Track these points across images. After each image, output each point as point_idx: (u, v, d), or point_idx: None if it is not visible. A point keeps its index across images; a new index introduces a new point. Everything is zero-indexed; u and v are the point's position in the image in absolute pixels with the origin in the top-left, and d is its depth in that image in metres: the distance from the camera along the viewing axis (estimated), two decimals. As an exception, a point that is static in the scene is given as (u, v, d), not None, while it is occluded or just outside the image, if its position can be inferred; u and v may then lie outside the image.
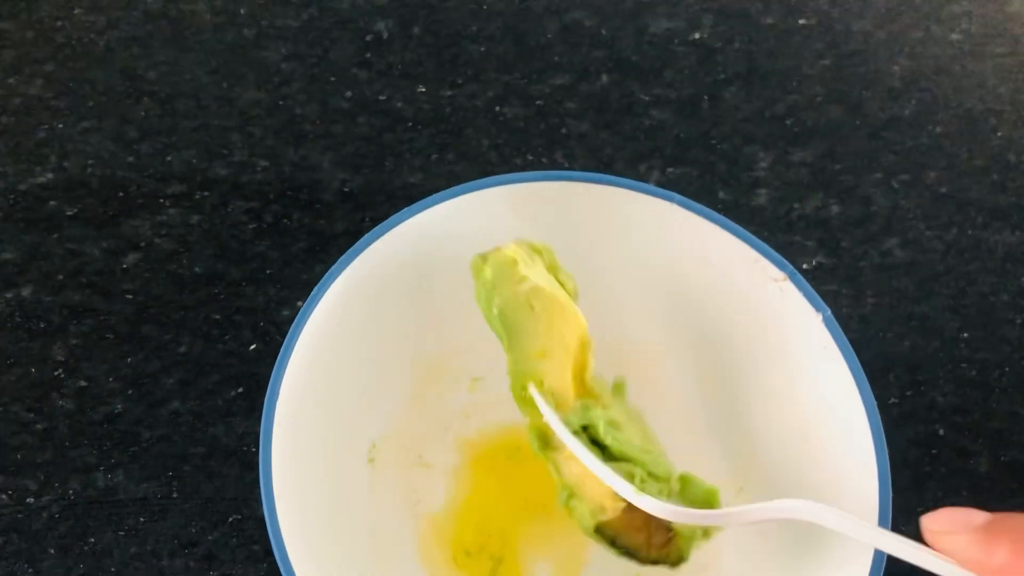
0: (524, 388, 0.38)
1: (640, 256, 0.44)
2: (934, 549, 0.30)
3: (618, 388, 0.41)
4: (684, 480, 0.38)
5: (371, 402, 0.44)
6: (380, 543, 0.43)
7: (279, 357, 0.38)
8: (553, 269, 0.40)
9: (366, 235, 0.40)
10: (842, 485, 0.39)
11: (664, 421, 0.47)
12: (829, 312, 0.40)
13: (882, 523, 0.37)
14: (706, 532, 0.37)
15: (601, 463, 0.36)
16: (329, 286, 0.40)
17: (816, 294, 0.40)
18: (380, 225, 0.41)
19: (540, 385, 0.38)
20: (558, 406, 0.38)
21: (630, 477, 0.35)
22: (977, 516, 0.30)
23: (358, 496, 0.43)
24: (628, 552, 0.38)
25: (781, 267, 0.41)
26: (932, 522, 0.30)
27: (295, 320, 0.39)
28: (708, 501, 0.37)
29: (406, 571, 0.43)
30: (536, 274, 0.39)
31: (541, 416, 0.37)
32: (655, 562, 0.38)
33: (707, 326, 0.44)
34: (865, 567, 0.36)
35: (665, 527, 0.37)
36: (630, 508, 0.36)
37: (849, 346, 0.39)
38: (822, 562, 0.39)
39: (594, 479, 0.36)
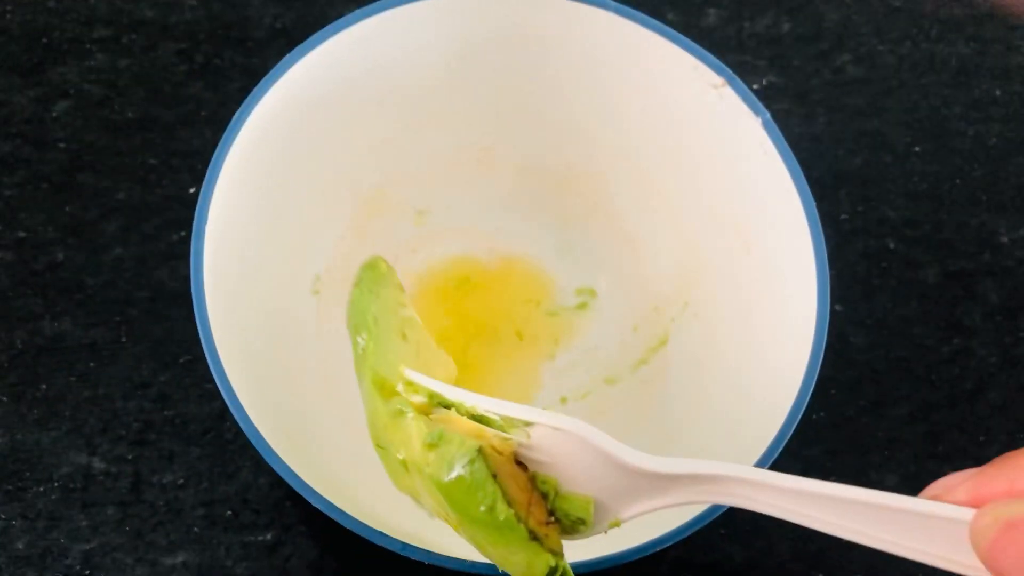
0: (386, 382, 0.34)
1: (574, 70, 0.43)
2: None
3: None
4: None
5: (311, 235, 0.44)
6: (329, 375, 0.43)
7: (202, 189, 0.37)
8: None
9: (286, 56, 0.39)
10: (783, 290, 0.39)
11: (605, 238, 0.47)
12: (768, 115, 0.39)
13: (819, 326, 0.37)
14: (582, 522, 0.31)
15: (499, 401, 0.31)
16: (249, 113, 0.38)
17: (755, 98, 0.39)
18: (303, 44, 0.39)
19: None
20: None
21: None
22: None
23: (305, 330, 0.43)
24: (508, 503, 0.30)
25: (720, 72, 0.40)
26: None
27: (216, 150, 0.38)
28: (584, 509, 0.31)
29: (357, 402, 0.44)
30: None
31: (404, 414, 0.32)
32: (532, 535, 0.30)
33: (645, 138, 0.43)
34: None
35: (546, 508, 0.31)
36: (517, 464, 0.31)
37: (788, 148, 0.39)
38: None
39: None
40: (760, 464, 0.36)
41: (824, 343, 0.37)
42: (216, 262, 0.37)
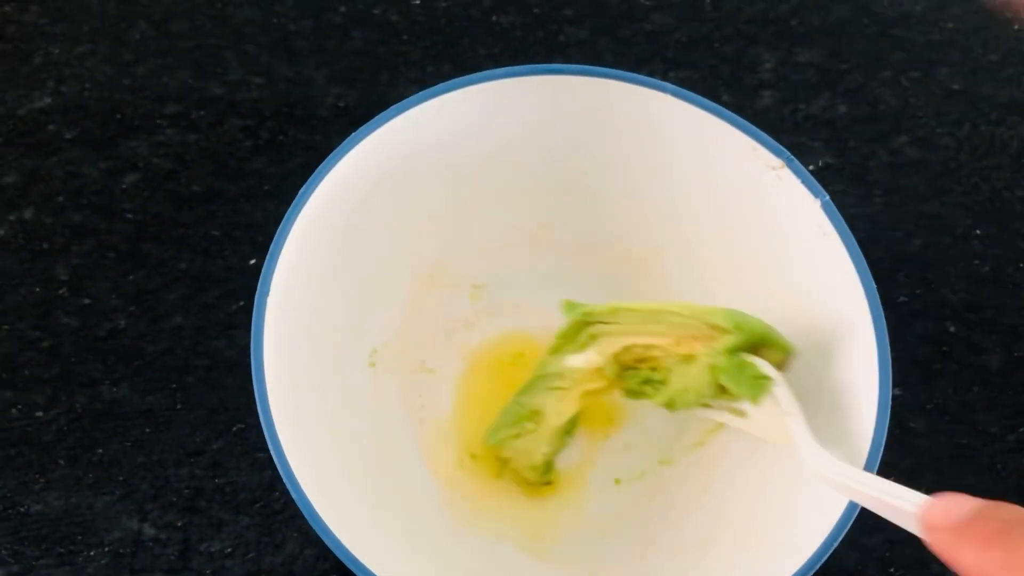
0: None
1: (633, 151, 0.43)
2: (930, 542, 0.30)
3: None
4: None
5: (369, 308, 0.44)
6: (383, 448, 0.43)
7: (266, 261, 0.38)
8: None
9: (352, 134, 0.40)
10: (844, 374, 0.38)
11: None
12: (827, 197, 0.39)
13: (881, 409, 0.36)
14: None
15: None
16: (315, 188, 0.39)
17: (814, 180, 0.39)
18: (369, 123, 0.40)
19: None
20: None
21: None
22: (963, 505, 0.29)
23: (360, 401, 0.43)
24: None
25: (778, 154, 0.40)
26: (926, 516, 0.30)
27: (281, 223, 0.39)
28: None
29: (411, 476, 0.44)
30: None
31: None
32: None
33: (704, 219, 0.43)
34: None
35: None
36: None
37: (848, 230, 0.38)
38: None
39: None
40: (817, 557, 0.35)
41: (886, 431, 0.36)
42: (276, 333, 0.37)
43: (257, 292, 0.37)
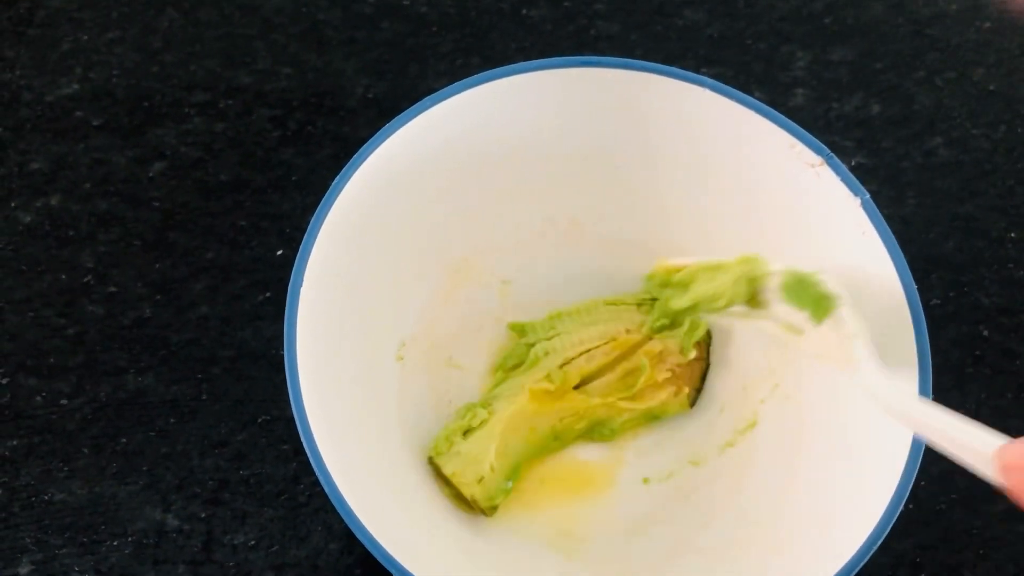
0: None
1: (671, 145, 0.42)
2: (1006, 484, 0.28)
3: None
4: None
5: (398, 302, 0.44)
6: (411, 444, 0.43)
7: (300, 251, 0.38)
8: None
9: (384, 127, 0.39)
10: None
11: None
12: (868, 195, 0.38)
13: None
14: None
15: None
16: (347, 181, 0.39)
17: (854, 178, 0.39)
18: (400, 116, 0.40)
19: None
20: None
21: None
22: None
23: (388, 396, 0.43)
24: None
25: (818, 151, 0.39)
26: (1004, 455, 0.28)
27: (314, 216, 0.38)
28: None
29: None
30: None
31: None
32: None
33: (743, 216, 0.43)
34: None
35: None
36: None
37: (888, 229, 0.38)
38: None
39: None
40: (852, 566, 0.34)
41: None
42: (307, 326, 0.37)
43: (290, 284, 0.37)
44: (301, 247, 0.37)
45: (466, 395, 0.46)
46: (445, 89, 0.40)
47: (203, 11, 0.55)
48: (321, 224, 0.38)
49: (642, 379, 0.44)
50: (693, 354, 0.44)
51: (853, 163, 0.52)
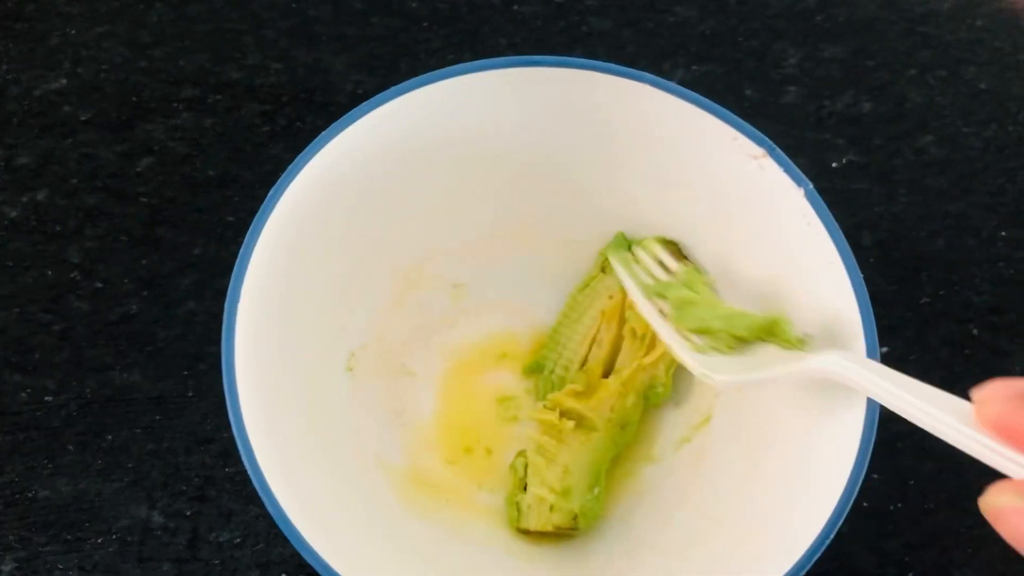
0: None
1: (616, 142, 0.42)
2: (981, 420, 0.27)
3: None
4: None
5: (346, 311, 0.43)
6: (363, 456, 0.42)
7: (238, 259, 0.37)
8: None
9: (328, 128, 0.38)
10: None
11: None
12: (811, 186, 0.38)
13: (871, 403, 0.35)
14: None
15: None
16: (285, 189, 0.38)
17: (796, 169, 0.38)
18: (342, 118, 0.38)
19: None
20: None
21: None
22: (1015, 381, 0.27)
23: (338, 408, 0.42)
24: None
25: (759, 143, 0.39)
26: (979, 392, 0.28)
27: (250, 227, 0.37)
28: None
29: (392, 482, 0.42)
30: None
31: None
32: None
33: (689, 210, 0.42)
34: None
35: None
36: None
37: (832, 218, 0.37)
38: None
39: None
40: (809, 555, 0.34)
41: (876, 422, 0.35)
42: (247, 339, 0.36)
43: (227, 299, 0.36)
44: (238, 259, 0.36)
45: (420, 403, 0.45)
46: (386, 91, 0.39)
47: (192, 6, 0.55)
48: (259, 234, 0.37)
49: (639, 325, 0.44)
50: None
51: (844, 161, 0.52)
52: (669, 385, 0.44)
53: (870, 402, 0.35)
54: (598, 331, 0.45)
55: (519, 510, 0.42)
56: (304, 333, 0.40)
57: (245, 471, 0.44)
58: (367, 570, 0.35)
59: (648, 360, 0.44)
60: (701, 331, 0.39)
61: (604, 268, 0.45)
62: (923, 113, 0.54)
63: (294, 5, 0.55)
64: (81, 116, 0.52)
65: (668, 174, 0.42)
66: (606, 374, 0.44)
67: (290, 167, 0.38)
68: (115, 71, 0.53)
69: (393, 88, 0.39)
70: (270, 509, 0.34)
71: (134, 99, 0.52)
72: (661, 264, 0.43)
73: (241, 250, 0.37)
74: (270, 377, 0.37)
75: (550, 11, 0.55)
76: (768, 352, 0.37)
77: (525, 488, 0.42)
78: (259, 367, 0.36)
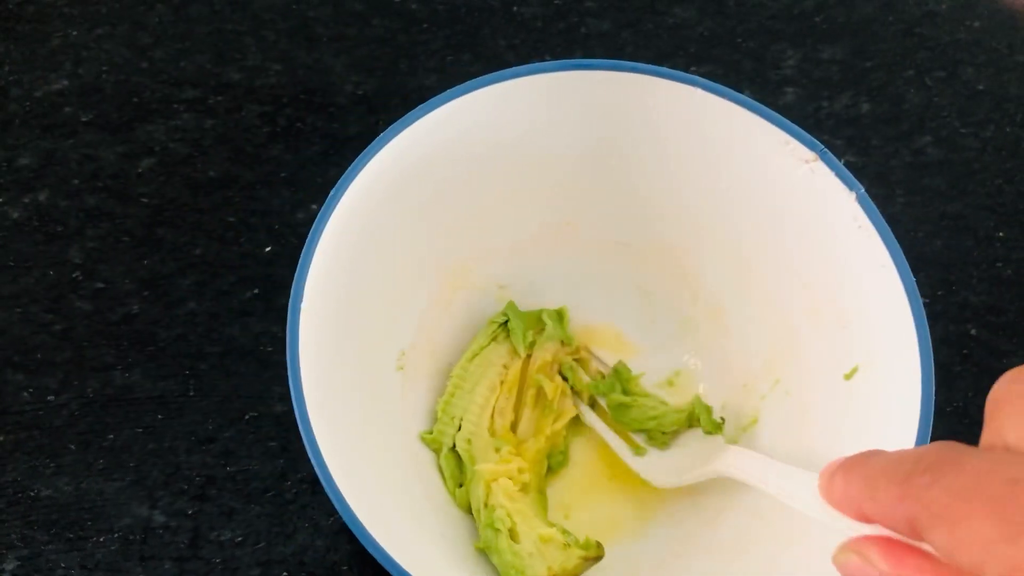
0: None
1: (664, 146, 0.42)
2: (822, 495, 0.29)
3: None
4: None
5: (397, 309, 0.43)
6: (414, 453, 0.43)
7: (300, 261, 0.37)
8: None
9: (382, 134, 0.39)
10: (882, 365, 0.38)
11: (691, 313, 0.46)
12: (863, 189, 0.38)
13: (924, 399, 0.36)
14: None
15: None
16: (345, 190, 0.38)
17: (848, 172, 0.39)
18: (396, 123, 0.39)
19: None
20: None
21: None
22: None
23: (389, 406, 0.42)
24: None
25: (811, 147, 0.39)
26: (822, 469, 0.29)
27: (314, 224, 0.37)
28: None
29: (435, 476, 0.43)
30: None
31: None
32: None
33: (736, 214, 0.43)
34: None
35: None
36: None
37: (883, 222, 0.38)
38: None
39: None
40: None
41: (931, 428, 0.35)
42: (309, 340, 0.36)
43: (291, 300, 0.36)
44: (300, 263, 0.37)
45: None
46: (438, 96, 0.40)
47: (193, 7, 0.55)
48: (319, 237, 0.37)
49: (551, 391, 0.44)
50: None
51: (842, 161, 0.52)
52: (567, 453, 0.45)
53: (925, 400, 0.35)
54: (496, 400, 0.44)
55: (521, 559, 0.39)
56: (358, 333, 0.40)
57: (247, 471, 0.44)
58: (416, 564, 0.34)
59: (557, 426, 0.44)
60: (638, 431, 0.44)
61: (496, 337, 0.45)
62: (921, 114, 0.54)
63: (294, 6, 0.55)
64: (82, 117, 0.52)
65: (719, 177, 0.42)
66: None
67: (350, 168, 0.39)
68: (116, 72, 0.53)
69: (443, 94, 0.40)
70: (338, 507, 0.34)
71: (135, 100, 0.53)
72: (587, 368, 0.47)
73: (304, 250, 0.37)
74: (328, 377, 0.37)
75: (549, 12, 0.55)
76: (694, 438, 0.43)
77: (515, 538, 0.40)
78: (318, 369, 0.36)
